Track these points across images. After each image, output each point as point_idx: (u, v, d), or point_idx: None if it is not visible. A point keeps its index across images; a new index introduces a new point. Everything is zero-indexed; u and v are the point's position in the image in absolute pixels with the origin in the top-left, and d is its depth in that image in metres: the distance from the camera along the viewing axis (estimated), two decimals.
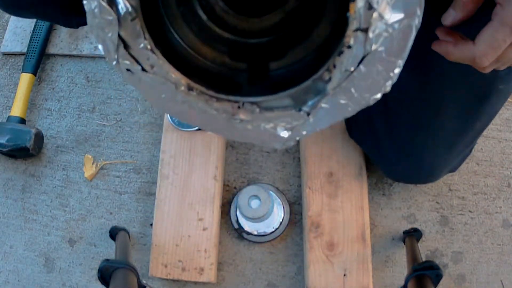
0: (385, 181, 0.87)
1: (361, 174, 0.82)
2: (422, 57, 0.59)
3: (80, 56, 1.00)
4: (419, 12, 0.29)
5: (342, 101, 0.31)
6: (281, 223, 0.83)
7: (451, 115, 0.62)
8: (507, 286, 0.81)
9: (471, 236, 0.84)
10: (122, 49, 0.31)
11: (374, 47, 0.30)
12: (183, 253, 0.80)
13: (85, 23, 0.88)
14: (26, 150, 0.88)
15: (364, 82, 0.31)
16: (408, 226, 0.84)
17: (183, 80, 0.32)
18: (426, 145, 0.66)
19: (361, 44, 0.30)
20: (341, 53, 0.30)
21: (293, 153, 0.90)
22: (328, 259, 0.78)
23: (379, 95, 0.32)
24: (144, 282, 0.66)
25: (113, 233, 0.82)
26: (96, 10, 0.30)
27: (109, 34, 0.30)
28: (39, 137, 0.91)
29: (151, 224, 0.84)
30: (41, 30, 0.98)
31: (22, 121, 0.93)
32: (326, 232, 0.79)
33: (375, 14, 0.29)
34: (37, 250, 0.88)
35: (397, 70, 0.31)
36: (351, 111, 0.32)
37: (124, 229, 0.83)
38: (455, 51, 0.44)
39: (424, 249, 0.83)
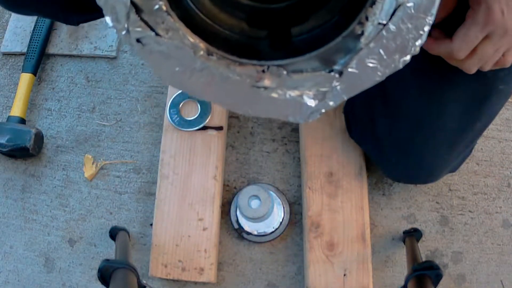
0: (385, 181, 0.87)
1: (361, 174, 0.82)
2: (423, 58, 0.59)
3: (80, 56, 1.00)
4: None
5: (371, 64, 0.30)
6: (281, 223, 0.83)
7: (452, 116, 0.62)
8: (507, 286, 0.81)
9: (471, 236, 0.84)
10: (133, 15, 0.28)
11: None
12: (183, 253, 0.80)
13: (85, 21, 0.88)
14: (26, 150, 0.88)
15: (393, 42, 0.30)
16: (408, 226, 0.84)
17: (201, 44, 0.30)
18: (427, 145, 0.67)
19: None
20: (373, 3, 0.29)
21: (293, 153, 0.90)
22: (328, 259, 0.78)
23: (408, 57, 0.30)
24: (144, 282, 0.66)
25: (113, 233, 0.82)
26: None
27: None
28: (39, 137, 0.91)
29: (151, 224, 0.84)
30: (41, 30, 0.98)
31: (22, 121, 0.93)
32: (326, 232, 0.79)
33: None
34: (37, 250, 0.88)
35: (426, 28, 0.29)
36: (381, 75, 0.30)
37: (124, 229, 0.83)
38: (435, 45, 0.51)
39: (424, 249, 0.83)
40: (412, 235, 0.79)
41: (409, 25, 0.29)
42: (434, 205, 0.85)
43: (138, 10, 0.28)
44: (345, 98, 0.31)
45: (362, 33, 0.30)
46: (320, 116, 0.31)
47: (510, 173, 0.87)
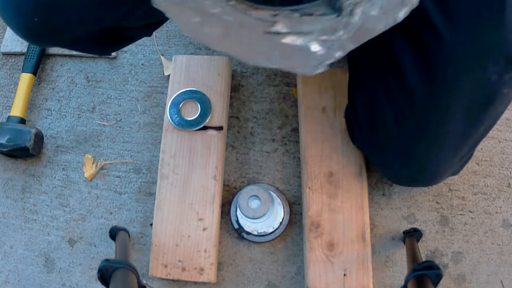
0: (385, 181, 0.87)
1: (361, 174, 0.82)
2: (428, 65, 0.59)
3: (80, 56, 1.00)
4: None
5: (374, 13, 0.31)
6: (281, 223, 0.83)
7: (457, 121, 0.62)
8: (507, 286, 0.81)
9: (471, 236, 0.84)
10: None
11: None
12: (183, 253, 0.80)
13: (118, 48, 0.89)
14: (26, 150, 0.88)
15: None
16: (408, 226, 0.84)
17: None
18: (431, 151, 0.66)
19: None
20: None
21: (293, 153, 0.90)
22: (328, 259, 0.78)
23: (407, 9, 0.32)
24: (144, 282, 0.66)
25: (113, 233, 0.82)
26: None
27: None
28: (39, 137, 0.91)
29: (151, 224, 0.84)
30: None
31: (22, 121, 0.93)
32: (326, 232, 0.79)
33: None
34: (37, 250, 0.88)
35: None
36: (382, 28, 0.31)
37: (124, 229, 0.83)
38: None
39: (424, 249, 0.83)
40: (412, 235, 0.79)
41: None
42: (434, 205, 0.85)
43: None
44: (351, 48, 0.32)
45: None
46: (326, 68, 0.32)
47: (510, 173, 0.87)
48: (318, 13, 0.31)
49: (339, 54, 0.32)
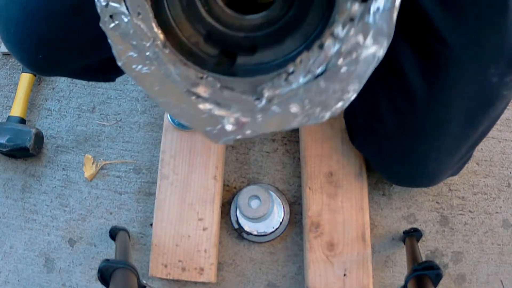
0: (385, 181, 0.87)
1: (361, 174, 0.82)
2: (430, 67, 0.59)
3: None
4: (386, 44, 0.30)
5: (293, 110, 0.32)
6: (281, 223, 0.83)
7: (457, 122, 0.62)
8: (507, 286, 0.81)
9: (471, 236, 0.84)
10: None
11: (340, 61, 0.30)
12: (183, 253, 0.80)
13: (122, 74, 0.91)
14: (26, 150, 0.88)
15: (318, 96, 0.31)
16: (408, 226, 0.84)
17: (162, 36, 0.32)
18: (430, 152, 0.66)
19: (330, 49, 0.31)
20: (309, 48, 0.31)
21: (293, 153, 0.90)
22: (328, 259, 0.78)
23: (328, 114, 0.32)
24: (144, 282, 0.66)
25: (113, 233, 0.82)
26: None
27: None
28: (39, 137, 0.91)
29: (151, 224, 0.84)
30: None
31: (22, 121, 0.93)
32: (326, 232, 0.79)
33: (353, 31, 0.30)
34: (37, 250, 0.88)
35: (351, 95, 0.31)
36: (297, 122, 0.32)
37: (124, 229, 0.83)
38: None
39: (424, 249, 0.83)
40: (412, 235, 0.79)
41: (336, 86, 0.31)
42: (434, 205, 0.85)
43: None
44: (260, 133, 0.32)
45: (293, 72, 0.32)
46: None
47: (510, 173, 0.87)
48: (239, 90, 0.32)
49: (249, 133, 0.33)
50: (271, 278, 0.83)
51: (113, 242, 0.82)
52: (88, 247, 0.87)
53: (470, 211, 0.85)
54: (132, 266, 0.63)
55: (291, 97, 0.32)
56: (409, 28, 0.59)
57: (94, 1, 0.33)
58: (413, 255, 0.71)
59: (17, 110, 0.93)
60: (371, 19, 0.30)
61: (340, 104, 0.32)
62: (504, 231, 0.84)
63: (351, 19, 0.30)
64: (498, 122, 0.66)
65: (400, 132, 0.67)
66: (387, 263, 0.83)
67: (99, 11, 0.32)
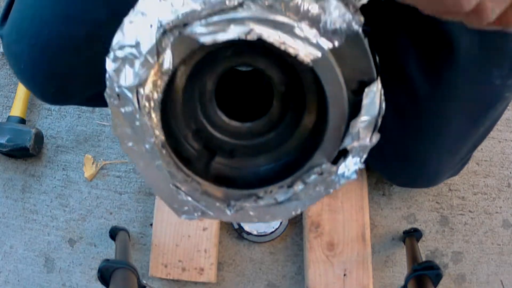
0: (385, 181, 0.86)
1: (361, 174, 0.82)
2: (433, 68, 0.59)
3: None
4: (321, 198, 0.37)
5: (251, 213, 0.37)
6: (281, 223, 0.83)
7: (458, 124, 0.62)
8: (507, 286, 0.81)
9: (471, 236, 0.84)
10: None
11: (302, 196, 0.36)
12: (183, 253, 0.80)
13: None
14: (26, 150, 0.88)
15: (273, 211, 0.37)
16: (408, 226, 0.84)
17: (162, 137, 0.35)
18: (431, 153, 0.66)
19: (298, 187, 0.36)
20: (281, 186, 0.37)
21: None
22: (328, 259, 0.78)
23: (274, 220, 0.39)
24: (144, 282, 0.66)
25: (113, 233, 0.82)
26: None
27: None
28: (39, 137, 0.91)
29: (151, 224, 0.84)
30: None
31: (22, 121, 0.93)
32: (326, 232, 0.79)
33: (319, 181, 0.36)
34: (37, 250, 0.88)
35: (298, 213, 0.37)
36: (251, 221, 0.38)
37: (124, 229, 0.83)
38: None
39: (424, 249, 0.83)
40: (412, 235, 0.79)
41: (292, 206, 0.37)
42: (434, 205, 0.85)
43: (140, 84, 0.33)
44: (235, 226, 0.37)
45: (261, 198, 0.37)
46: None
47: (510, 173, 0.87)
48: (215, 197, 0.37)
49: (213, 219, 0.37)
50: (271, 278, 0.83)
51: (113, 242, 0.82)
52: (88, 247, 0.87)
53: (470, 211, 0.85)
54: (132, 266, 0.63)
55: (253, 208, 0.37)
56: (413, 29, 0.59)
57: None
58: (413, 255, 0.71)
59: (17, 110, 0.93)
60: (335, 178, 0.36)
61: (285, 218, 0.38)
62: (504, 231, 0.84)
63: (320, 173, 0.36)
64: (498, 122, 0.66)
65: (401, 132, 0.67)
66: (387, 263, 0.83)
67: (107, 96, 0.35)
